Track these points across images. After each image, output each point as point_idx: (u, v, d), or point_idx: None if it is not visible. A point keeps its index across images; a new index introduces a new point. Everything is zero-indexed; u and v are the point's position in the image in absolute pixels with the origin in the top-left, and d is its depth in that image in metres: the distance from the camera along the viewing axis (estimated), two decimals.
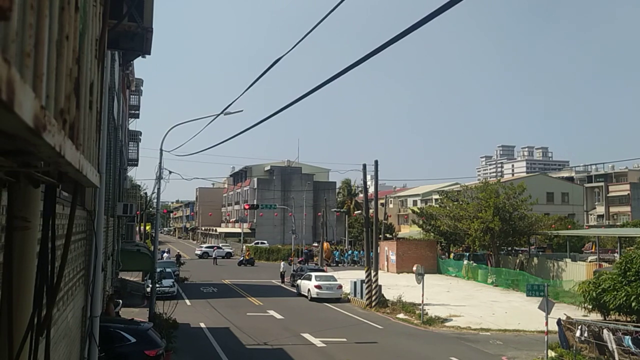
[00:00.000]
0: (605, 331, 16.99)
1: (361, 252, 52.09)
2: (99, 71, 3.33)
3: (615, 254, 39.31)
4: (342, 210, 70.34)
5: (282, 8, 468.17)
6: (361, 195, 49.34)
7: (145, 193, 57.92)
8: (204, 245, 73.12)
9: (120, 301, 21.00)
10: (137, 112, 34.57)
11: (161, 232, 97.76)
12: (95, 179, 2.90)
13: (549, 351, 17.68)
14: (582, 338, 17.75)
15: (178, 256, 51.24)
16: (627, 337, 16.32)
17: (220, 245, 71.58)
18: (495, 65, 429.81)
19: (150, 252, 24.41)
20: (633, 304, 18.39)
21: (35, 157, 1.93)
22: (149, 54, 7.41)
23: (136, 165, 35.68)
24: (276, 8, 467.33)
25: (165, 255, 53.07)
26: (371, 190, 43.86)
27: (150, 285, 22.54)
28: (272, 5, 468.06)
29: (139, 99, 34.24)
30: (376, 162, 31.78)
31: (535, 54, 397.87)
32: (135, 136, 34.80)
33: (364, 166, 32.96)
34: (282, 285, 39.04)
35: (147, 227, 59.63)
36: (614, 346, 16.43)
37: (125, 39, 6.73)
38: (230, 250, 66.52)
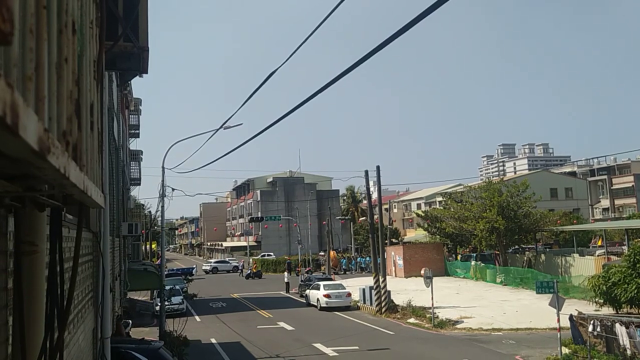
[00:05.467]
0: (617, 325, 16.88)
1: (368, 258, 51.96)
2: (98, 92, 3.35)
3: (624, 247, 39.14)
4: (346, 217, 70.22)
5: (279, 18, 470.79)
6: (365, 201, 49.35)
7: (150, 211, 58.09)
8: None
9: (130, 321, 20.95)
10: (137, 131, 34.66)
11: (167, 250, 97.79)
12: (100, 200, 2.90)
13: (563, 348, 17.57)
14: (595, 333, 17.64)
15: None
16: None
17: (228, 259, 72.15)
18: (490, 64, 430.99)
19: (158, 270, 24.39)
20: None
21: (40, 181, 1.94)
22: (146, 72, 7.44)
23: (139, 184, 35.71)
24: (273, 18, 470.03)
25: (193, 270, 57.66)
26: (374, 195, 43.85)
27: (160, 304, 22.50)
28: (269, 16, 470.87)
29: (138, 118, 34.34)
30: (378, 167, 31.82)
31: (529, 49, 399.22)
32: (136, 155, 34.86)
33: (366, 172, 32.99)
34: (290, 296, 38.99)
35: (153, 246, 59.78)
36: (626, 340, 16.31)
37: (122, 59, 6.77)
38: (237, 264, 67.27)
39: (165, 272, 50.04)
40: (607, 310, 21.13)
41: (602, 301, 20.86)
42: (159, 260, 61.17)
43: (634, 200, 75.43)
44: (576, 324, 18.47)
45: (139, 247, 37.73)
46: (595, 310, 21.46)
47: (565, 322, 18.21)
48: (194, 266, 64.83)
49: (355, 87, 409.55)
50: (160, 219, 25.55)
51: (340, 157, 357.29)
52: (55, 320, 2.73)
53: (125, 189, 24.23)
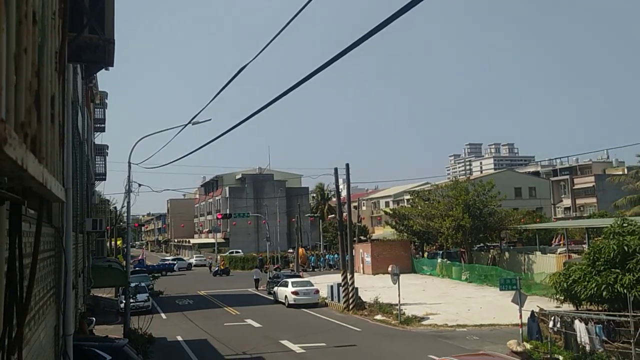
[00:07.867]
0: (577, 321, 17.35)
1: (336, 255, 52.17)
2: (60, 84, 3.29)
3: (584, 245, 40.21)
4: (315, 215, 70.47)
5: (249, 13, 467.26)
6: (334, 199, 49.53)
7: (115, 207, 57.13)
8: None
9: (94, 319, 20.61)
10: (102, 125, 34.01)
11: (133, 247, 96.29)
12: (61, 194, 2.86)
13: (525, 343, 17.96)
14: (555, 329, 18.10)
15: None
16: (599, 325, 16.70)
17: (196, 256, 71.92)
18: (459, 63, 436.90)
19: (122, 266, 24.01)
20: (604, 293, 18.73)
21: None
22: (112, 65, 7.33)
23: (104, 179, 35.07)
24: (243, 14, 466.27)
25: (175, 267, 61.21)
26: (344, 193, 44.02)
27: (124, 301, 22.17)
28: (239, 12, 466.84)
29: (104, 112, 33.69)
30: (347, 165, 31.95)
31: (494, 48, 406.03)
32: (101, 150, 34.23)
33: (336, 170, 33.09)
34: (258, 293, 38.90)
35: (119, 242, 58.77)
36: (584, 336, 16.78)
37: (87, 51, 6.64)
38: (191, 261, 68.81)
39: (139, 268, 49.76)
40: (568, 307, 21.67)
41: (562, 298, 21.33)
42: (140, 257, 62.10)
43: (594, 199, 77.50)
44: (538, 320, 18.90)
45: (103, 243, 37.09)
46: (556, 307, 21.96)
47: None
48: (175, 262, 64.53)
49: (325, 85, 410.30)
50: (126, 214, 25.12)
51: (310, 154, 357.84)
52: (15, 315, 2.68)
53: (90, 184, 23.77)
